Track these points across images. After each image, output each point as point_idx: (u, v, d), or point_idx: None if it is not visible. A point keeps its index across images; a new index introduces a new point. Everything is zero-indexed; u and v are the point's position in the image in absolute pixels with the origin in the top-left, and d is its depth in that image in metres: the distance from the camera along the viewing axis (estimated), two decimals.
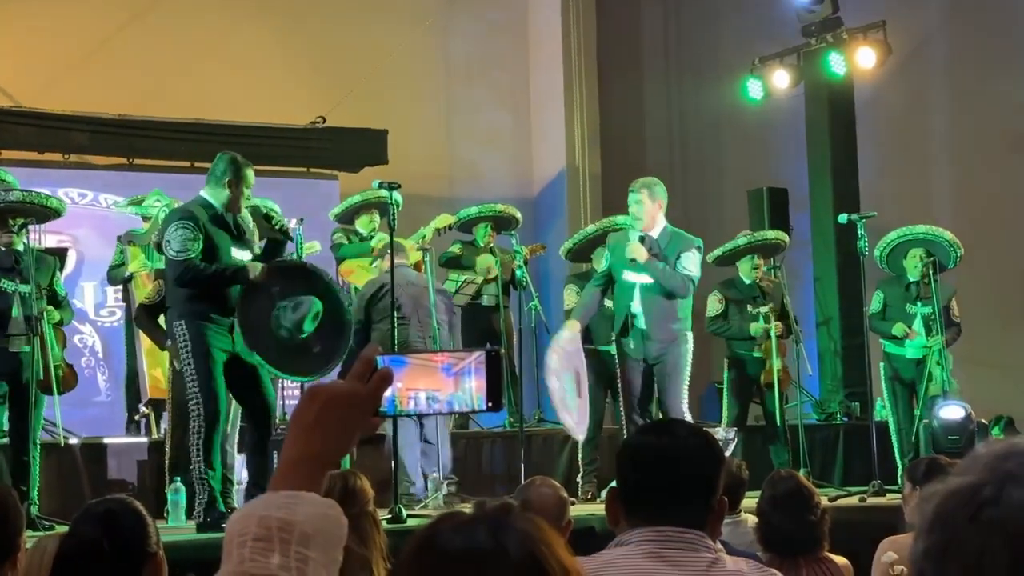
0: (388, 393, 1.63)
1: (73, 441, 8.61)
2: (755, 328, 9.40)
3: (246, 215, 7.01)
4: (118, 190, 10.43)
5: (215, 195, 6.83)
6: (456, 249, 10.31)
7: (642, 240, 7.72)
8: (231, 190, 6.79)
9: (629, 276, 7.81)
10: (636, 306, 7.80)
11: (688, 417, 7.58)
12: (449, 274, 10.26)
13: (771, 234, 10.11)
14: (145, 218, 9.19)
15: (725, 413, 9.46)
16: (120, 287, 9.39)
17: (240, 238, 6.87)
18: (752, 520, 4.67)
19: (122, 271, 9.16)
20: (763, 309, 9.45)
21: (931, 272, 9.35)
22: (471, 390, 1.71)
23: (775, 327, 9.34)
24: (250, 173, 6.86)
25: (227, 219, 6.84)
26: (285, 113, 12.19)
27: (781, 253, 10.14)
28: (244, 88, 12.32)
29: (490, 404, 1.70)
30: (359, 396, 1.58)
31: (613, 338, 8.11)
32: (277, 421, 7.34)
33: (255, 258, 6.92)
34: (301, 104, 12.38)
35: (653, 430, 2.58)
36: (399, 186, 7.56)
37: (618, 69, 14.40)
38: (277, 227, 6.97)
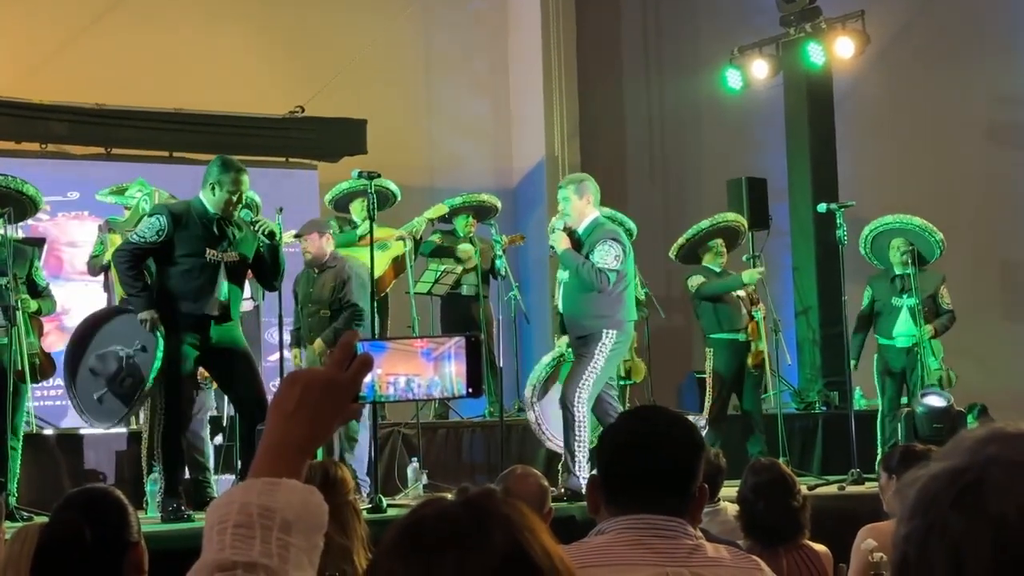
0: (368, 379, 1.63)
1: (49, 432, 8.58)
2: (748, 275, 9.35)
3: (241, 220, 6.99)
4: (96, 180, 10.36)
5: (207, 198, 6.85)
6: (436, 239, 10.30)
7: (571, 235, 7.68)
8: (214, 193, 6.80)
9: (559, 275, 7.90)
10: (560, 303, 7.86)
11: (579, 410, 7.44)
12: (428, 264, 10.25)
13: (731, 216, 10.06)
14: (126, 207, 9.16)
15: (708, 401, 9.45)
16: (100, 276, 9.34)
17: (221, 242, 6.86)
18: (731, 508, 4.68)
19: (102, 260, 9.12)
20: (740, 293, 9.45)
21: (912, 262, 9.42)
22: (451, 375, 1.71)
23: (758, 312, 9.34)
24: (239, 177, 6.86)
25: (213, 223, 6.83)
26: (264, 103, 12.15)
27: (742, 239, 10.11)
28: (222, 77, 12.28)
29: (470, 389, 1.70)
30: (339, 382, 1.58)
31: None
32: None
33: (244, 261, 6.94)
34: (280, 94, 12.34)
35: (633, 416, 2.57)
36: (379, 175, 7.57)
37: (598, 59, 14.40)
38: (263, 232, 6.97)
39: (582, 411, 7.45)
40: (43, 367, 7.48)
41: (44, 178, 9.57)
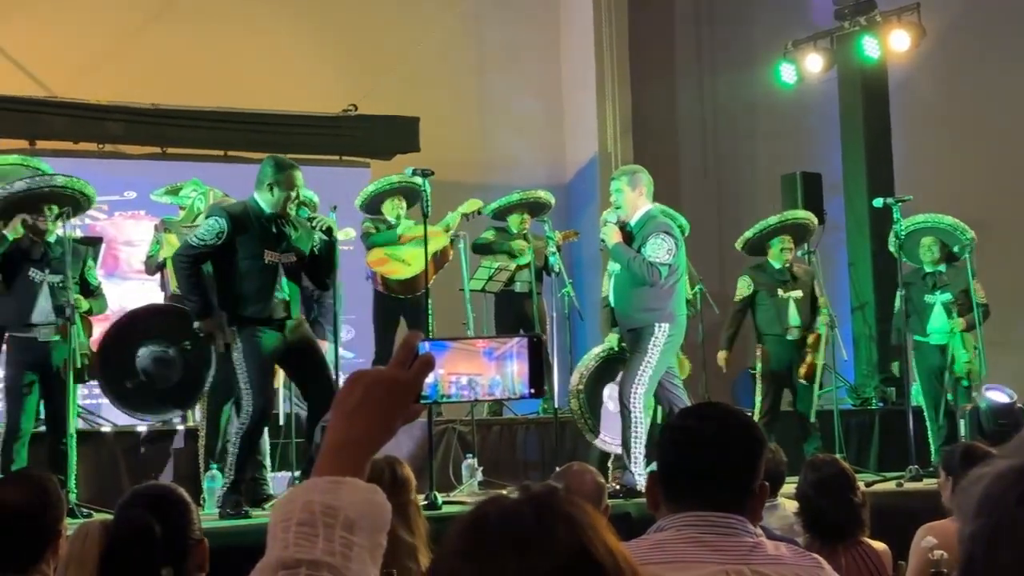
0: (430, 378, 1.63)
1: (107, 428, 8.66)
2: (791, 334, 9.37)
3: (298, 220, 7.01)
4: (152, 179, 10.46)
5: (262, 199, 6.86)
6: (489, 235, 10.30)
7: (623, 228, 7.66)
8: (272, 193, 6.82)
9: (610, 268, 7.88)
10: (612, 297, 7.83)
11: (636, 405, 7.44)
12: (482, 261, 10.26)
13: (801, 213, 10.01)
14: (181, 207, 9.22)
15: (758, 399, 9.42)
16: (157, 275, 9.41)
17: (280, 243, 6.89)
18: (790, 505, 4.65)
19: (156, 259, 9.19)
20: (793, 294, 9.40)
21: (944, 259, 9.46)
22: (512, 375, 1.71)
23: (824, 324, 9.31)
24: (293, 175, 6.86)
25: (271, 223, 6.86)
26: (317, 101, 12.21)
27: (810, 236, 10.05)
28: (276, 76, 12.35)
29: (532, 390, 1.70)
30: (401, 382, 1.58)
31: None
32: None
33: (303, 260, 6.97)
34: (333, 92, 12.40)
35: (694, 414, 2.56)
36: (432, 173, 7.55)
37: (650, 54, 14.36)
38: (320, 228, 6.99)
39: (639, 407, 7.44)
40: (92, 366, 7.55)
41: (101, 178, 9.67)
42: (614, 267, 7.74)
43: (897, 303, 9.55)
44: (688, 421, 2.48)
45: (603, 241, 7.73)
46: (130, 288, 11.08)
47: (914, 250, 9.62)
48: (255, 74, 12.24)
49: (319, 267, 7.13)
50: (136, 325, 7.30)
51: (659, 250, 7.49)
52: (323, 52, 12.75)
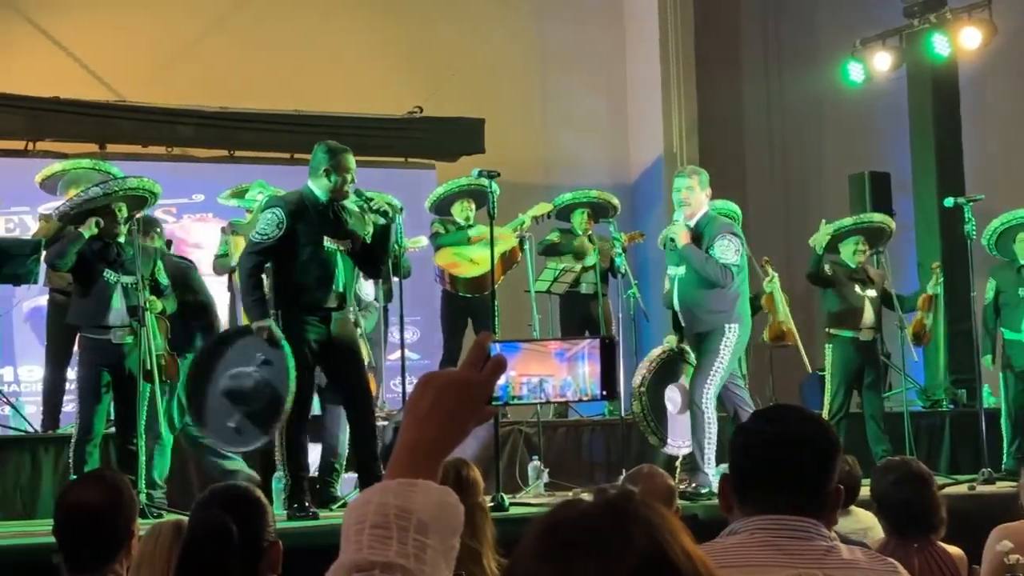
0: (501, 380, 1.63)
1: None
2: (865, 334, 9.32)
3: (352, 205, 7.02)
4: (220, 182, 10.55)
5: (318, 185, 6.88)
6: (554, 237, 10.29)
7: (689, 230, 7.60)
8: (329, 178, 6.83)
9: (672, 270, 7.81)
10: (676, 302, 7.74)
11: (708, 407, 7.43)
12: (547, 262, 10.26)
13: (877, 217, 9.90)
14: (248, 210, 9.29)
15: (828, 399, 9.33)
16: (225, 276, 9.49)
17: (338, 229, 6.90)
18: (864, 515, 4.58)
19: (227, 261, 9.26)
20: (870, 293, 9.31)
21: None
22: (584, 375, 1.72)
23: (938, 285, 9.53)
24: (347, 158, 6.87)
25: (327, 209, 6.87)
26: (383, 103, 12.26)
27: (886, 241, 9.92)
28: (342, 79, 12.42)
29: (604, 392, 1.69)
30: (473, 384, 1.58)
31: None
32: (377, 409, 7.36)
33: (354, 248, 6.95)
34: (398, 94, 12.45)
35: (766, 416, 2.53)
36: (499, 174, 7.54)
37: (716, 52, 14.29)
38: (377, 209, 6.95)
39: (710, 408, 7.44)
40: (168, 368, 7.61)
41: (169, 180, 9.75)
42: (677, 270, 7.70)
43: (989, 294, 9.39)
44: (761, 424, 2.46)
45: (672, 241, 7.67)
46: None
47: (1007, 245, 9.43)
48: (321, 77, 12.32)
49: (371, 254, 7.06)
50: (210, 361, 7.13)
51: (728, 251, 7.47)
52: (388, 54, 12.80)
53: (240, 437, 6.83)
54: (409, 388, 10.04)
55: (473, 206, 9.86)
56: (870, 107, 13.41)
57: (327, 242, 6.81)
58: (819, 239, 9.31)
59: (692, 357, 7.85)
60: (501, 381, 1.62)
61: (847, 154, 13.52)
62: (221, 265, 9.42)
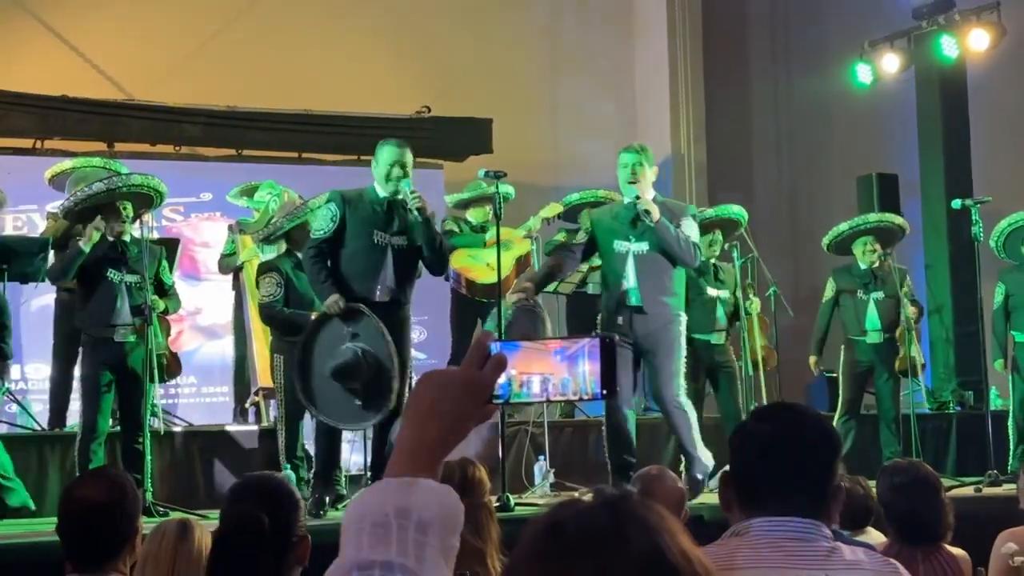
0: (502, 379, 1.63)
1: (179, 428, 8.73)
2: (872, 337, 9.26)
3: (405, 200, 6.92)
4: (228, 181, 10.56)
5: (378, 181, 6.94)
6: (561, 237, 10.26)
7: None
8: (379, 170, 6.88)
9: (622, 245, 7.34)
10: (631, 280, 7.25)
11: (685, 405, 7.25)
12: None
13: (889, 217, 9.79)
14: (256, 209, 9.29)
15: (840, 399, 9.32)
16: (230, 276, 9.51)
17: (388, 225, 6.90)
18: (877, 535, 4.52)
19: (234, 259, 9.28)
20: (874, 296, 9.29)
21: None
22: (584, 374, 1.70)
23: (910, 312, 9.18)
24: (386, 150, 6.87)
25: (382, 204, 6.89)
26: (390, 103, 12.26)
27: (898, 241, 9.87)
28: (350, 78, 12.42)
29: (604, 391, 1.68)
30: (474, 382, 1.58)
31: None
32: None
33: (410, 245, 6.95)
34: (407, 94, 12.44)
35: (766, 414, 2.51)
36: (505, 175, 7.53)
37: (724, 55, 14.28)
38: (412, 208, 6.88)
39: (687, 401, 7.34)
40: (170, 366, 7.60)
41: (177, 179, 9.79)
42: (631, 246, 7.29)
43: (998, 297, 9.37)
44: (762, 424, 2.44)
45: (646, 213, 7.17)
46: (206, 289, 11.21)
47: (1016, 247, 9.41)
48: (330, 76, 12.32)
49: (428, 253, 7.01)
50: (304, 362, 7.06)
51: (695, 231, 7.33)
52: (397, 54, 12.80)
53: (365, 411, 6.77)
54: None
55: (491, 212, 9.81)
56: (878, 109, 13.39)
57: (376, 236, 6.84)
58: (826, 292, 9.44)
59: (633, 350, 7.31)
60: (502, 379, 1.62)
61: (855, 156, 13.50)
62: (227, 264, 9.43)
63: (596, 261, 9.90)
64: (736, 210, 9.47)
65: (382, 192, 6.90)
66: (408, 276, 7.02)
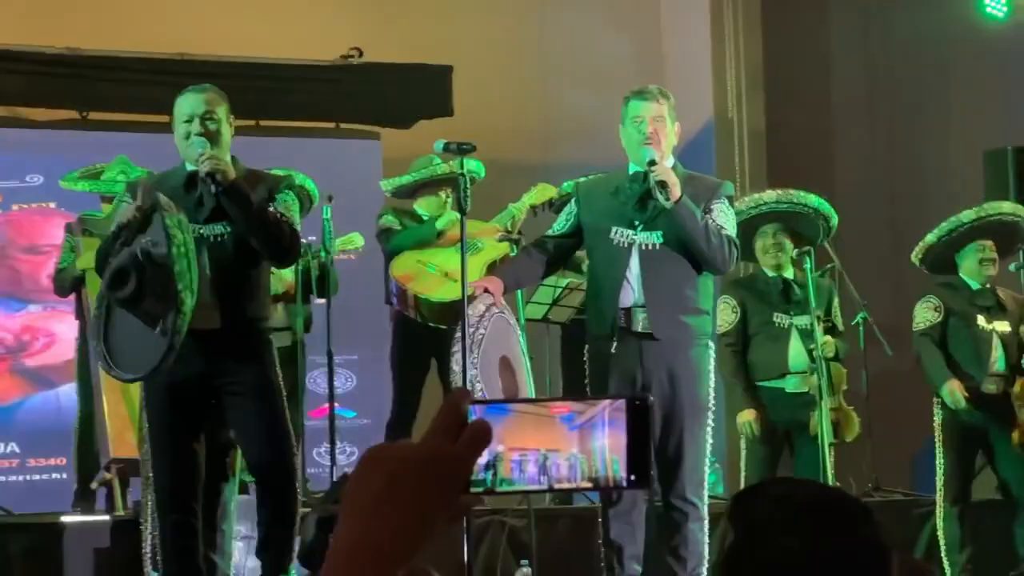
0: (483, 457, 1.63)
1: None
2: (988, 384, 9.22)
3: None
4: (67, 158, 10.55)
5: (180, 152, 6.94)
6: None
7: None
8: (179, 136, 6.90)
9: (623, 235, 7.15)
10: (634, 287, 7.02)
11: (700, 507, 7.05)
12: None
13: (1007, 207, 9.85)
14: (105, 198, 9.28)
15: (940, 476, 9.31)
16: (71, 295, 9.45)
17: (197, 211, 6.86)
18: None
19: (68, 273, 9.24)
20: (998, 326, 9.31)
21: None
22: (604, 452, 1.69)
23: None
24: (179, 101, 6.86)
25: (185, 185, 6.88)
26: (305, 44, 12.27)
27: (1021, 242, 9.88)
28: (244, 11, 12.43)
29: (633, 477, 1.68)
30: (444, 463, 1.59)
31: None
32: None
33: (231, 233, 6.95)
34: (328, 31, 12.46)
35: (781, 522, 2.44)
36: (474, 148, 7.50)
37: None
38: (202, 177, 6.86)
39: (705, 505, 7.12)
40: None
41: None
42: (641, 237, 7.06)
43: None
44: (776, 538, 2.39)
45: (662, 187, 6.85)
46: (34, 316, 11.19)
47: None
48: (212, 7, 12.33)
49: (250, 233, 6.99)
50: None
51: (730, 220, 7.09)
52: None
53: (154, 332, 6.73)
54: (343, 461, 10.05)
55: (450, 199, 9.73)
56: (1017, 55, 13.47)
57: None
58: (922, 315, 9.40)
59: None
60: (483, 458, 1.63)
61: (982, 122, 13.56)
62: (61, 281, 9.36)
63: (576, 277, 9.87)
64: (813, 200, 9.40)
65: (188, 164, 6.85)
66: (238, 279, 6.87)
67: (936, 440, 9.39)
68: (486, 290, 7.17)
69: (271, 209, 6.76)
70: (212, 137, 6.70)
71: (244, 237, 6.75)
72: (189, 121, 6.74)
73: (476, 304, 7.12)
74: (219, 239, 6.79)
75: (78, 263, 9.09)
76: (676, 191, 6.84)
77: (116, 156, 9.51)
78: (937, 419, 9.37)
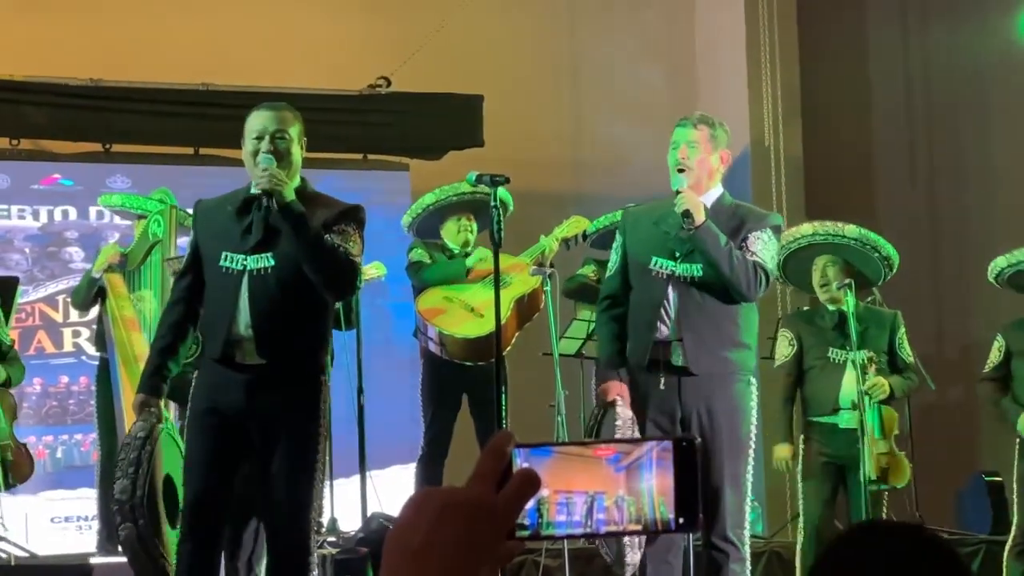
0: (530, 503, 1.64)
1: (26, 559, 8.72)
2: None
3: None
4: (91, 187, 10.60)
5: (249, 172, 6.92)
6: (588, 272, 10.27)
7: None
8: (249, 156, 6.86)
9: (661, 268, 7.07)
10: (670, 317, 7.00)
11: (742, 547, 6.97)
12: (579, 311, 10.24)
13: None
14: (140, 216, 9.28)
15: (1015, 522, 9.24)
16: (93, 313, 9.46)
17: (244, 237, 6.86)
18: None
19: (87, 287, 9.26)
20: None
21: None
22: (651, 493, 1.69)
23: None
24: (250, 119, 6.81)
25: (245, 208, 6.86)
26: (331, 75, 12.29)
27: None
28: (270, 41, 12.46)
29: (681, 520, 1.68)
30: (492, 508, 1.59)
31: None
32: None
33: (279, 264, 6.93)
34: (357, 60, 12.48)
35: (851, 543, 2.44)
36: (507, 180, 7.48)
37: (829, 6, 14.34)
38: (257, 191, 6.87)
39: (746, 544, 7.06)
40: (17, 464, 7.59)
41: (17, 184, 9.75)
42: (679, 268, 7.02)
43: None
44: (843, 555, 2.37)
45: (686, 216, 6.89)
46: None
47: None
48: (238, 37, 12.38)
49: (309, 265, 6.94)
50: None
51: (767, 251, 7.01)
52: (341, 6, 12.86)
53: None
54: (373, 502, 10.00)
55: (474, 225, 9.77)
56: None
57: (224, 259, 6.69)
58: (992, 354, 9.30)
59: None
60: (529, 504, 1.63)
61: None
62: (80, 295, 9.36)
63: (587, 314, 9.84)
64: (853, 231, 9.38)
65: (254, 188, 6.70)
66: (281, 313, 6.70)
67: (1015, 483, 9.29)
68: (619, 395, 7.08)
69: (327, 237, 6.60)
70: (280, 156, 6.59)
71: (297, 267, 6.56)
72: (259, 138, 6.63)
73: (623, 411, 7.04)
74: (263, 272, 6.61)
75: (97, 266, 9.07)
76: (700, 216, 6.84)
77: (158, 188, 9.55)
78: (1017, 459, 9.28)
